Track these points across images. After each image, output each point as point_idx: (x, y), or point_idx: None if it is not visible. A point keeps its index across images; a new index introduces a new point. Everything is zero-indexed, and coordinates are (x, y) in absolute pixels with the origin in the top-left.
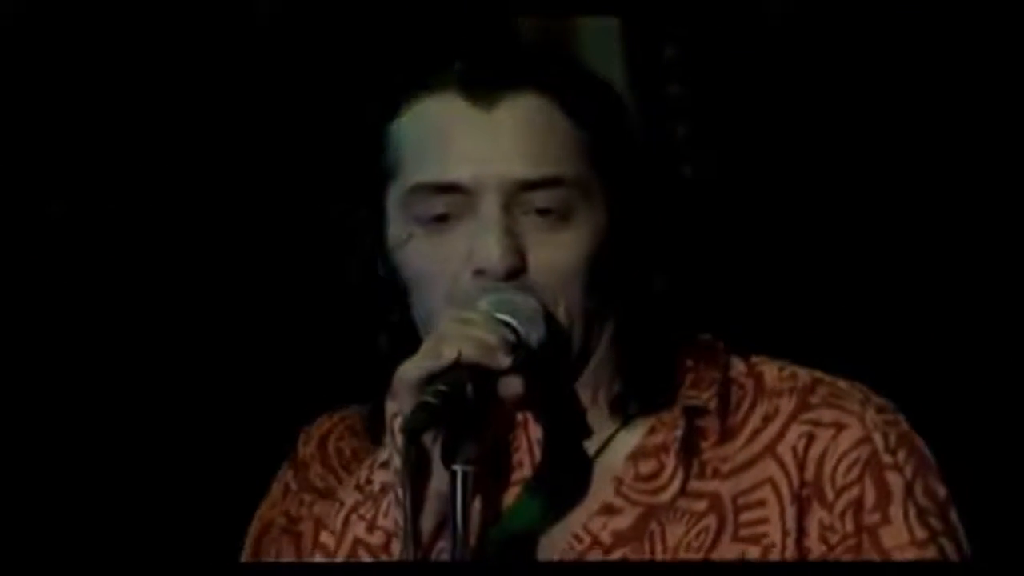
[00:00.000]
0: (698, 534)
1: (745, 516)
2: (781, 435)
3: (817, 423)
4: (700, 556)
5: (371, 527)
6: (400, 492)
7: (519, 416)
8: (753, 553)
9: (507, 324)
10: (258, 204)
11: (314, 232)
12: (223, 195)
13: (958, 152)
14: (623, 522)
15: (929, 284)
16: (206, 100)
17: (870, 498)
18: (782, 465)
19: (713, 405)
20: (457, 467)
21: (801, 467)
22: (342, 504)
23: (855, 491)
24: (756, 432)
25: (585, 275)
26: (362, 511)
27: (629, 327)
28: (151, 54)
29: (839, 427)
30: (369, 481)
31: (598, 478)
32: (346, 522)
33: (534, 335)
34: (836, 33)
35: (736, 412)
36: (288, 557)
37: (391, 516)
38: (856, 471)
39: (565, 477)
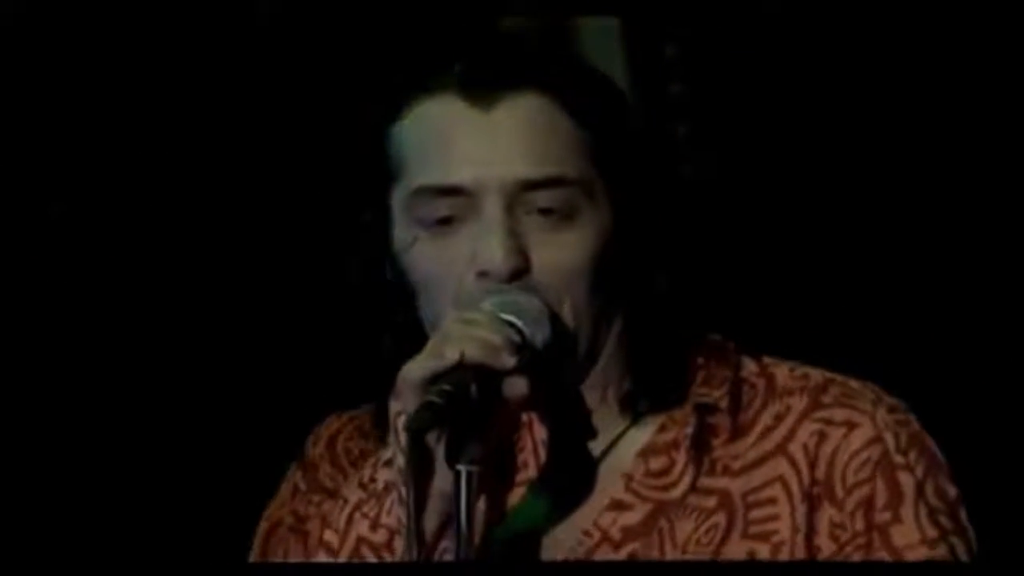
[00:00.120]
0: (707, 531)
1: (755, 513)
2: (792, 433)
3: (829, 422)
4: (709, 552)
5: (374, 525)
6: (403, 491)
7: (524, 417)
8: (762, 551)
9: (512, 324)
10: (260, 205)
11: (321, 233)
12: (224, 196)
13: (962, 150)
14: (633, 518)
15: (932, 283)
16: (206, 101)
17: (881, 497)
18: (793, 463)
19: (724, 403)
20: (461, 467)
21: (812, 465)
22: (346, 502)
23: (866, 490)
24: (767, 430)
25: (590, 274)
26: (365, 509)
27: (636, 325)
28: (152, 55)
29: (851, 426)
30: (373, 479)
31: (608, 474)
32: (349, 520)
33: (539, 335)
34: (837, 32)
35: (747, 410)
36: (296, 556)
37: (394, 514)
38: (867, 470)
39: (570, 478)
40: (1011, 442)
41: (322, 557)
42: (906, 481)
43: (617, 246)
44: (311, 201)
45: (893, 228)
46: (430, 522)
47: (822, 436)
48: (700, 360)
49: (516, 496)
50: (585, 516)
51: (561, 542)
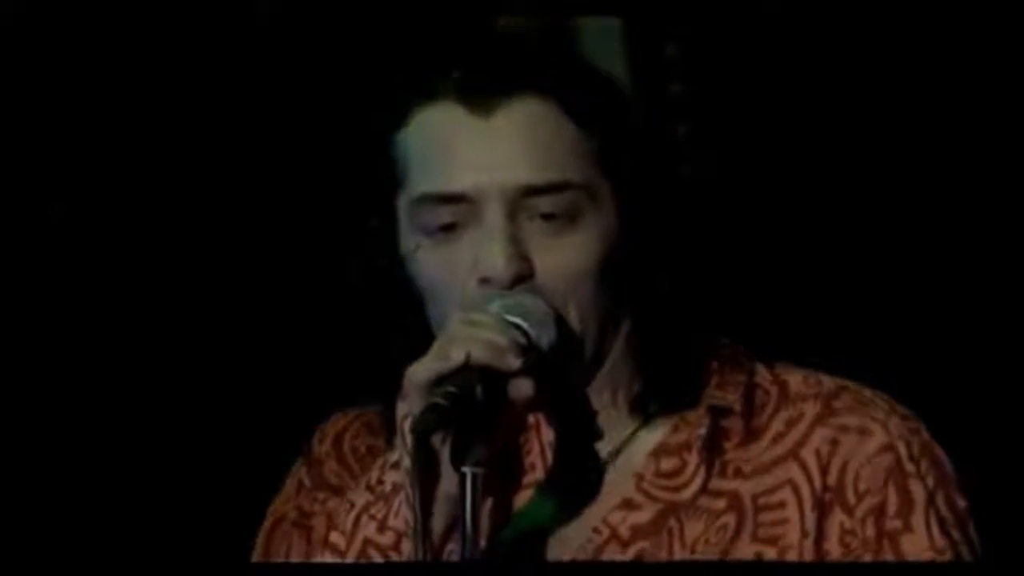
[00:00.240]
0: (716, 532)
1: (764, 517)
2: (805, 438)
3: (842, 428)
4: (717, 553)
5: (382, 527)
6: (410, 493)
7: (531, 419)
8: (770, 554)
9: (517, 326)
10: (265, 207)
11: (330, 236)
12: (226, 196)
13: (962, 149)
14: (642, 517)
15: (932, 283)
16: (205, 100)
17: (892, 505)
18: (804, 468)
19: (738, 406)
20: (467, 469)
21: (824, 471)
22: (353, 504)
23: (877, 497)
24: (780, 435)
25: (595, 277)
26: (373, 511)
27: (644, 327)
28: (153, 57)
29: (863, 432)
30: (380, 481)
31: (618, 474)
32: (357, 522)
33: (545, 337)
34: (837, 32)
35: (760, 414)
36: (299, 552)
37: (402, 516)
38: (879, 477)
39: (577, 479)
40: (1016, 452)
41: (327, 557)
42: (917, 490)
43: (622, 248)
44: (319, 204)
45: (892, 228)
46: (437, 524)
47: (835, 442)
48: (715, 365)
49: (523, 498)
50: (595, 514)
51: (571, 539)
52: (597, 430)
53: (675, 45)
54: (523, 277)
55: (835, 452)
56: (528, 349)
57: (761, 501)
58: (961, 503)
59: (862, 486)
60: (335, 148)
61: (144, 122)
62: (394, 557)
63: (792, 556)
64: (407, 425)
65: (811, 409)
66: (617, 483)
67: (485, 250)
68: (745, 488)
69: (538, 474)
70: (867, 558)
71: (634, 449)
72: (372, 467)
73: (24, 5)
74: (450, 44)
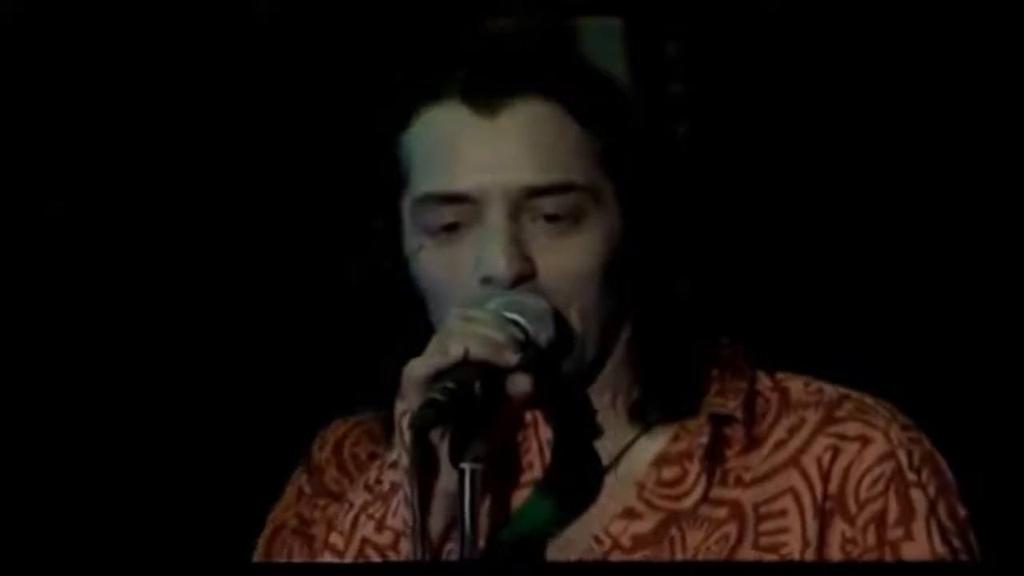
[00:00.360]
0: (718, 540)
1: (766, 525)
2: (806, 447)
3: (843, 436)
4: None
5: (380, 527)
6: (409, 491)
7: (529, 417)
8: None
9: (515, 322)
10: (265, 208)
11: (332, 238)
12: (228, 197)
13: (963, 148)
14: (644, 526)
15: (932, 283)
16: (208, 101)
17: (893, 513)
18: (806, 476)
19: (739, 414)
20: (465, 465)
21: (825, 479)
22: (351, 504)
23: (878, 505)
24: (781, 443)
25: (598, 278)
26: (371, 511)
27: (646, 331)
28: (156, 57)
29: (865, 441)
30: (379, 481)
31: (620, 483)
32: (355, 522)
33: (543, 334)
34: (837, 32)
35: (761, 422)
36: (299, 559)
37: (400, 516)
38: (880, 486)
39: (575, 479)
40: (1016, 461)
41: (326, 558)
42: (918, 499)
43: (625, 250)
44: (324, 205)
45: (894, 232)
46: (436, 522)
47: (836, 451)
48: (715, 372)
49: (521, 497)
50: (596, 522)
51: (574, 544)
52: (596, 431)
53: (675, 45)
54: (525, 277)
55: (836, 460)
56: (526, 345)
57: (762, 510)
58: (962, 512)
59: (863, 495)
60: (339, 148)
61: (146, 123)
62: (392, 557)
63: None
64: (406, 422)
65: (812, 417)
66: (618, 491)
67: (487, 250)
68: (746, 497)
69: (536, 473)
70: None
71: (635, 457)
72: (371, 467)
73: (24, 5)
74: (455, 45)
